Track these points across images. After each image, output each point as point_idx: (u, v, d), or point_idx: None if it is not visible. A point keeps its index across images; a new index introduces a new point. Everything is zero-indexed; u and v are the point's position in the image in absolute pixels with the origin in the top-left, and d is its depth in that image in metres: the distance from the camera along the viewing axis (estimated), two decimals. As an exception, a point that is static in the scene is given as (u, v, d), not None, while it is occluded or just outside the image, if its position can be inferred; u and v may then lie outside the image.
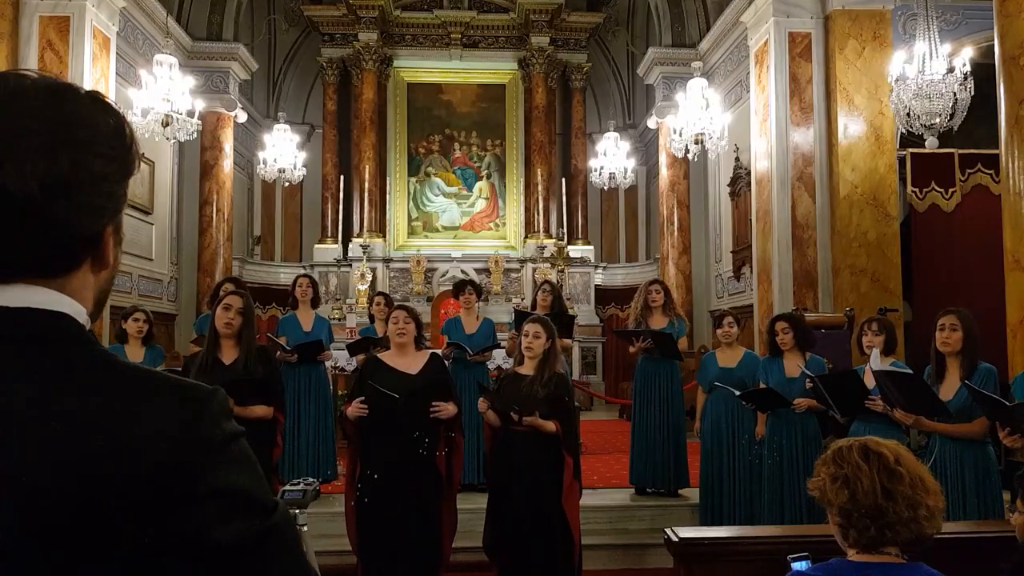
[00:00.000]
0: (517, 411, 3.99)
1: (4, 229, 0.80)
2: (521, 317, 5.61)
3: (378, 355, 4.43)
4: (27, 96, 0.83)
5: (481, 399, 4.21)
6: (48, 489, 0.77)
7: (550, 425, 4.04)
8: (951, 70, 6.69)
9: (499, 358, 7.07)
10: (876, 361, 4.19)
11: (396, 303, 5.26)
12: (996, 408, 3.45)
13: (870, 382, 4.26)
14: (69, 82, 0.88)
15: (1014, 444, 3.38)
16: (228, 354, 4.02)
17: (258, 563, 0.83)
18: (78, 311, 0.87)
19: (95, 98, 0.88)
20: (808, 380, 4.63)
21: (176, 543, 0.79)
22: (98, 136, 0.85)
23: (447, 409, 4.04)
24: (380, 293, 7.54)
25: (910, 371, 4.10)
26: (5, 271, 0.83)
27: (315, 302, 6.35)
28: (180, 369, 4.45)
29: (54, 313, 0.84)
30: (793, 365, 4.92)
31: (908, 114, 6.85)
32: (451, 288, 6.96)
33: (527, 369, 4.22)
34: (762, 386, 5.05)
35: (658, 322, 5.98)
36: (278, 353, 5.68)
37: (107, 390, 0.82)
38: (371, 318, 6.95)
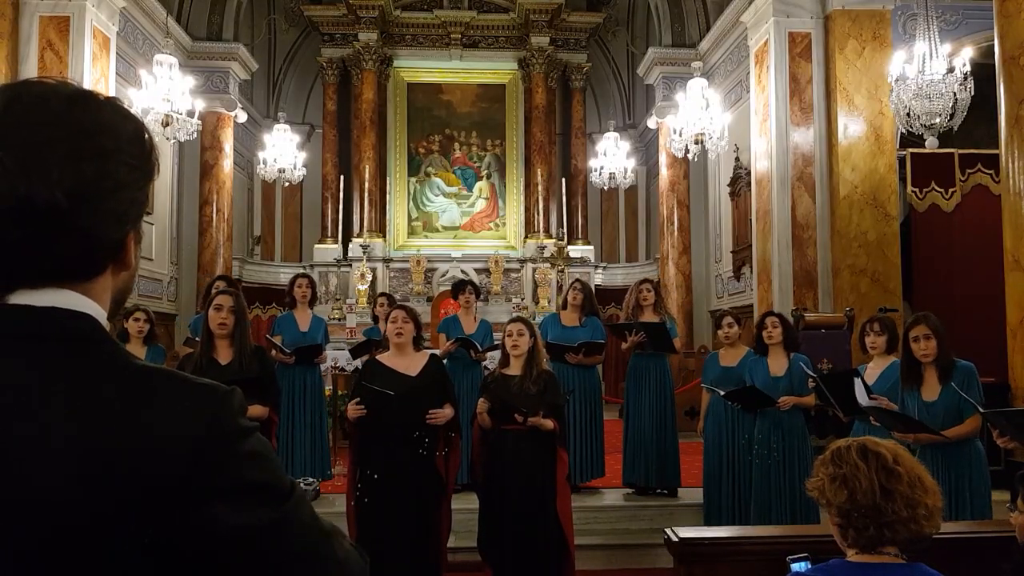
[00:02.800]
0: (523, 413, 4.00)
1: (31, 237, 0.82)
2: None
3: (377, 357, 4.43)
4: (49, 104, 0.84)
5: (481, 399, 4.21)
6: (74, 487, 0.79)
7: (549, 423, 4.07)
8: (951, 70, 6.68)
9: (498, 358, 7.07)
10: (863, 396, 4.21)
11: (396, 303, 5.25)
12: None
13: (863, 398, 4.28)
14: (88, 88, 0.89)
15: (1007, 445, 3.42)
16: (223, 354, 4.02)
17: (280, 545, 0.86)
18: (99, 313, 0.89)
19: (115, 105, 0.89)
20: (811, 379, 4.64)
21: (199, 534, 0.82)
22: (121, 144, 0.86)
23: (442, 415, 4.05)
24: (383, 294, 7.54)
25: (895, 407, 4.19)
26: (33, 277, 0.85)
27: (313, 302, 6.35)
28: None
29: (76, 313, 0.86)
30: (777, 364, 4.96)
31: (908, 114, 6.85)
32: (450, 288, 6.95)
33: (514, 369, 4.23)
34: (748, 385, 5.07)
35: (649, 320, 6.00)
36: (274, 353, 5.68)
37: (128, 389, 0.84)
38: (375, 319, 6.95)
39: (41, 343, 0.85)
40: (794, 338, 5.08)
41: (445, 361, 5.82)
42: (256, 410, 3.89)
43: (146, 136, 0.91)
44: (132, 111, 0.92)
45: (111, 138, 0.86)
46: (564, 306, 6.34)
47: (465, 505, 4.81)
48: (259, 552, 0.86)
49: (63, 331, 0.86)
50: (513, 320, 4.40)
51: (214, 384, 0.89)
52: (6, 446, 0.80)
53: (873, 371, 4.42)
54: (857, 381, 4.37)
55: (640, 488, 5.94)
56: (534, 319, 9.80)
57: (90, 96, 0.88)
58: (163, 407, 0.84)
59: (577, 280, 6.57)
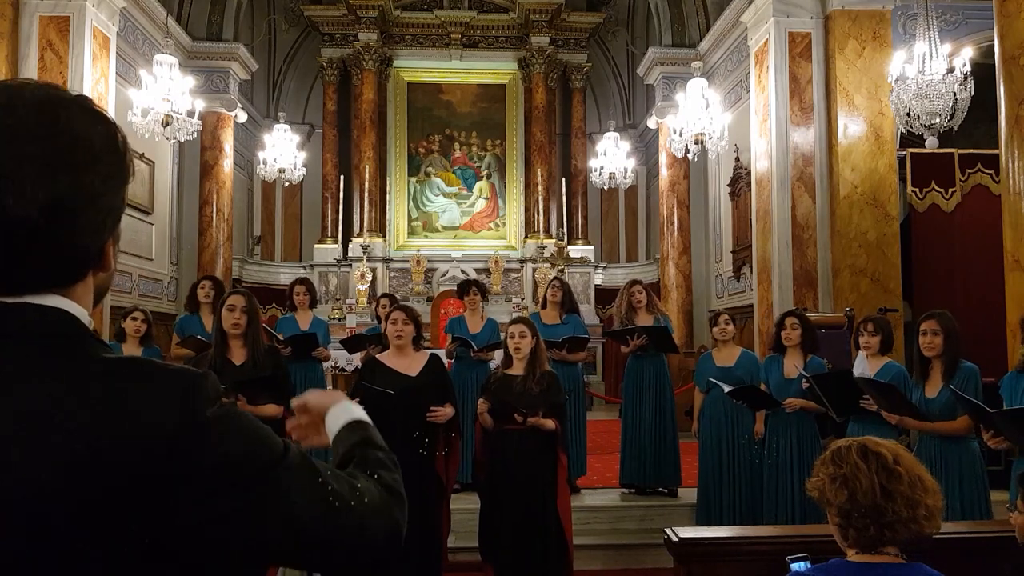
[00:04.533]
0: (523, 413, 4.00)
1: (9, 250, 0.83)
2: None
3: (377, 356, 4.43)
4: (17, 113, 0.83)
5: (481, 400, 4.21)
6: (56, 477, 0.80)
7: (550, 423, 4.08)
8: (951, 70, 6.68)
9: (500, 358, 7.06)
10: (861, 366, 4.24)
11: (396, 304, 5.25)
12: (978, 412, 3.51)
13: (860, 369, 4.33)
14: (57, 90, 0.87)
15: (998, 446, 3.43)
16: (237, 354, 4.03)
17: (272, 513, 0.87)
18: (79, 311, 0.90)
19: (84, 106, 0.88)
20: (804, 380, 4.63)
21: (187, 515, 0.84)
22: (95, 152, 0.86)
23: (443, 413, 4.06)
24: (385, 295, 7.54)
25: (893, 373, 4.28)
26: (13, 286, 0.86)
27: (313, 304, 6.38)
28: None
29: (51, 309, 0.87)
30: (792, 365, 4.91)
31: (908, 114, 6.85)
32: (455, 288, 6.94)
33: (517, 369, 4.24)
34: (760, 385, 5.04)
35: (643, 321, 5.99)
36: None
37: (104, 380, 0.85)
38: (378, 319, 6.96)
39: (15, 338, 0.85)
40: (813, 339, 4.99)
41: (452, 362, 5.82)
42: (271, 409, 3.90)
43: (119, 137, 0.90)
44: (102, 111, 0.90)
45: (84, 149, 0.85)
46: (543, 305, 6.34)
47: (465, 505, 4.80)
48: (251, 525, 0.86)
49: (37, 326, 0.86)
50: (515, 321, 4.40)
51: (186, 369, 0.90)
52: None
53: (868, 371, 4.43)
54: (860, 354, 4.41)
55: (640, 488, 5.94)
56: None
57: (57, 100, 0.86)
58: (139, 394, 0.85)
59: (555, 278, 6.57)
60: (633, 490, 5.94)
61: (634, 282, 6.28)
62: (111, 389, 0.85)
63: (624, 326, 5.99)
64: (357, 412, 1.13)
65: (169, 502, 0.83)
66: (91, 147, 0.86)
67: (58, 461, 0.80)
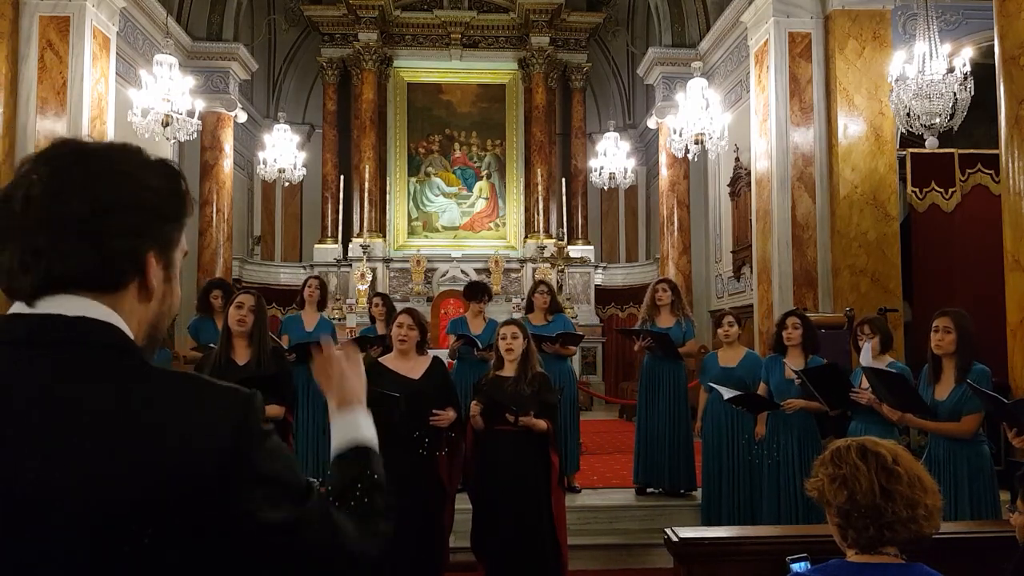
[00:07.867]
0: (514, 412, 4.00)
1: (55, 243, 0.91)
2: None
3: (380, 359, 4.43)
4: (86, 146, 0.98)
5: (474, 403, 4.20)
6: (122, 486, 0.86)
7: (542, 424, 4.07)
8: (951, 70, 6.68)
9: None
10: (867, 357, 4.22)
11: (404, 307, 5.24)
12: (996, 405, 3.46)
13: (866, 360, 4.31)
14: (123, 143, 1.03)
15: (1022, 444, 3.36)
16: (241, 354, 4.03)
17: (304, 536, 0.95)
18: (126, 328, 0.97)
19: (150, 156, 1.03)
20: (796, 377, 4.63)
21: (235, 524, 0.90)
22: (146, 173, 0.99)
23: (446, 417, 4.06)
24: (378, 294, 7.52)
25: (897, 370, 4.21)
26: (57, 282, 0.93)
27: (322, 304, 6.35)
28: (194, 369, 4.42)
29: (104, 324, 0.94)
30: (794, 366, 4.90)
31: (908, 114, 6.85)
32: (462, 290, 6.89)
33: (508, 371, 4.25)
34: (757, 391, 5.04)
35: (665, 321, 5.91)
36: None
37: (156, 395, 0.92)
38: (372, 319, 6.95)
39: (71, 349, 0.92)
40: (814, 339, 4.98)
41: (454, 362, 5.81)
42: (273, 410, 3.88)
43: (182, 183, 1.02)
44: (173, 164, 1.06)
45: (138, 167, 0.98)
46: (530, 308, 6.24)
47: (466, 505, 4.80)
48: (280, 543, 0.93)
49: (92, 338, 0.93)
50: (507, 323, 4.41)
51: (237, 388, 0.97)
52: (43, 450, 0.86)
53: None
54: (867, 345, 4.39)
55: (640, 488, 5.93)
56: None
57: (125, 144, 1.01)
58: (191, 412, 0.92)
59: (542, 282, 6.55)
60: (651, 490, 5.89)
61: (662, 280, 6.21)
62: (165, 404, 0.91)
63: (644, 323, 5.95)
64: (365, 433, 1.22)
65: (216, 512, 0.89)
66: (144, 168, 0.99)
67: (123, 468, 0.86)
